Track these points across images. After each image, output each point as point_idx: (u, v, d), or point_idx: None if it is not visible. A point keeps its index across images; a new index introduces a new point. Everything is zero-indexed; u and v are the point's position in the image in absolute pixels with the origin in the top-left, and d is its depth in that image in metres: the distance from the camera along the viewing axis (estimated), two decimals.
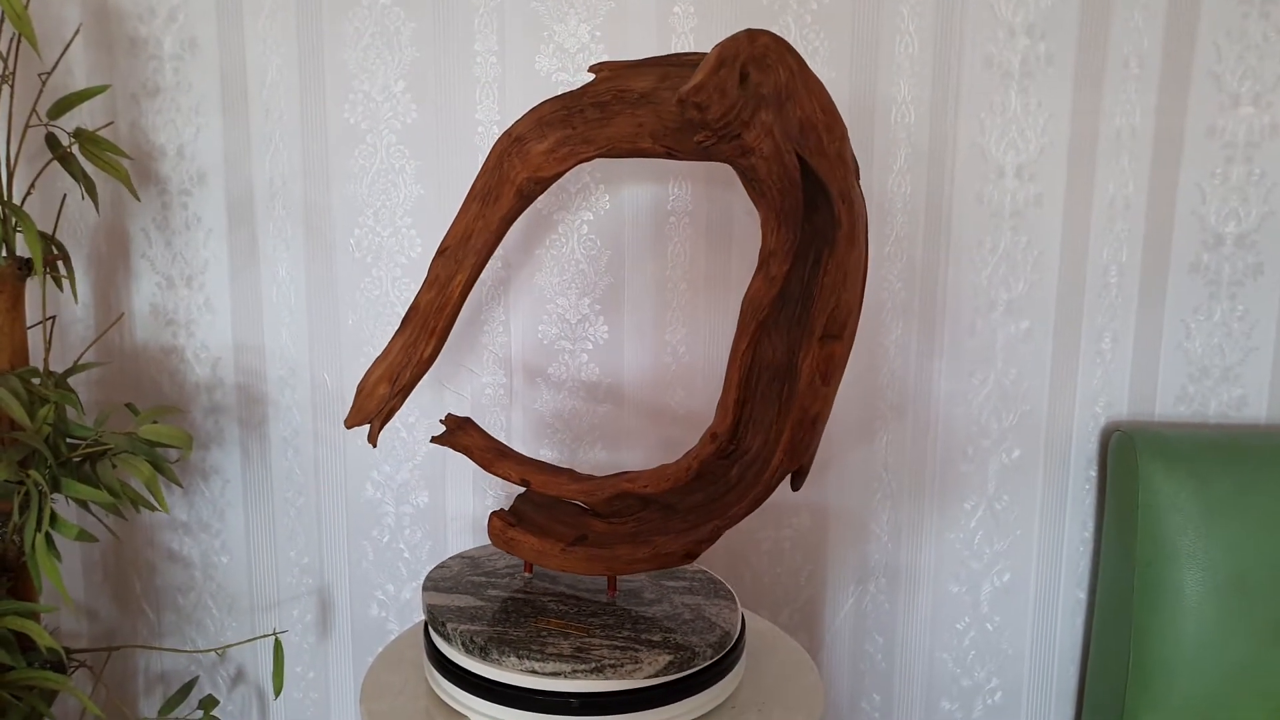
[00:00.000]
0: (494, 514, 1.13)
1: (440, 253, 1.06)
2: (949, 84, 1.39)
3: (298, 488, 1.53)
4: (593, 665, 0.96)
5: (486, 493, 1.52)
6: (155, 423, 1.23)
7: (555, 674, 0.97)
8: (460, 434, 1.17)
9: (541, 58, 1.40)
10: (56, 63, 1.27)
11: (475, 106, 1.41)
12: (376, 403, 1.06)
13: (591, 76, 1.05)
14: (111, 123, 1.38)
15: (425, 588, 1.16)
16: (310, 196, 1.44)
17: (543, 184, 1.03)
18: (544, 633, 1.03)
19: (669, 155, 1.02)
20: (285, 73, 1.42)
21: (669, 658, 0.98)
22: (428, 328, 1.05)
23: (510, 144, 1.04)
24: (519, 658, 0.98)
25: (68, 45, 1.27)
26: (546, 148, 1.00)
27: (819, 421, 1.04)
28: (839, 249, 0.97)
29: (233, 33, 1.42)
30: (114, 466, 1.17)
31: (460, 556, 1.28)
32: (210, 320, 1.49)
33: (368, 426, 1.08)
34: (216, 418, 1.52)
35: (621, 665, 0.97)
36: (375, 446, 1.09)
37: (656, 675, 0.98)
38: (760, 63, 0.91)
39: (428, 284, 1.07)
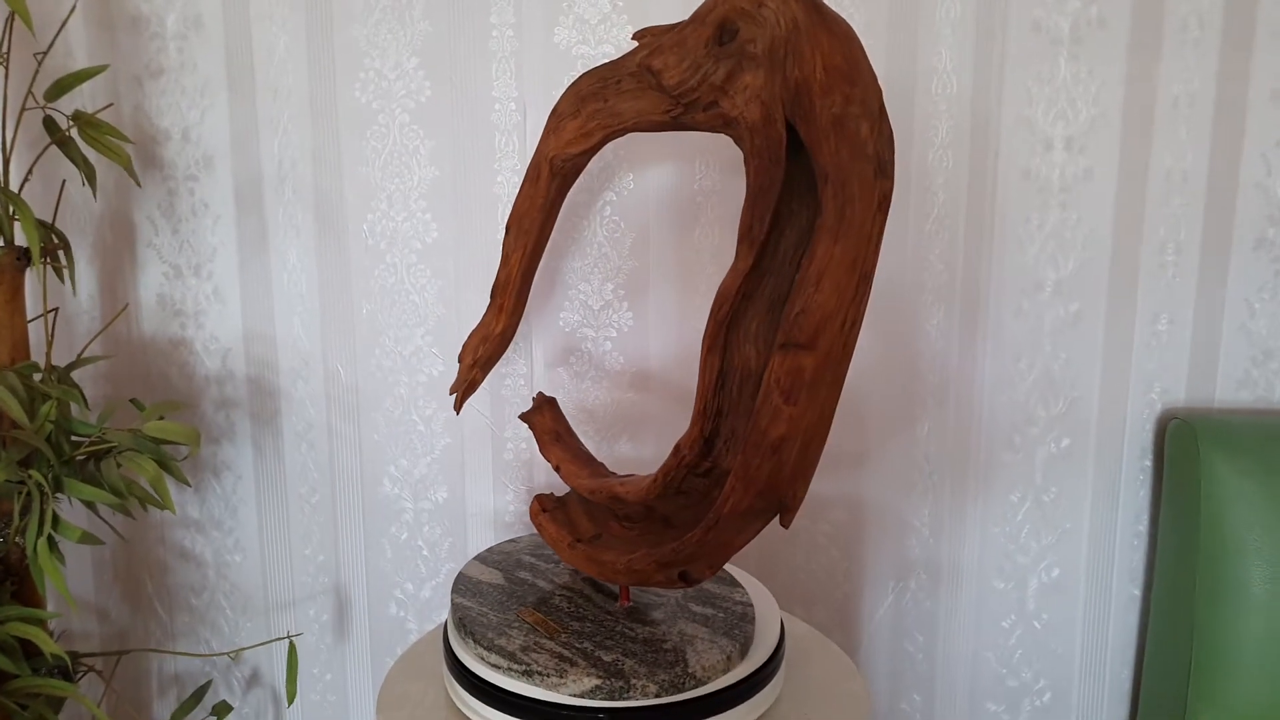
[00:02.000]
0: (538, 495, 1.11)
1: (506, 229, 1.06)
2: (993, 51, 1.31)
3: (312, 484, 1.47)
4: (524, 668, 0.92)
5: (507, 487, 1.45)
6: (162, 419, 1.17)
7: (542, 679, 0.91)
8: (537, 412, 1.17)
9: (561, 30, 1.33)
10: (53, 42, 1.21)
11: (492, 83, 1.34)
12: (461, 374, 1.11)
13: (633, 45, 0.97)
14: (111, 104, 1.32)
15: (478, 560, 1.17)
16: (321, 180, 1.38)
17: (572, 160, 0.96)
18: (516, 623, 1.00)
19: (676, 126, 0.94)
20: (293, 51, 1.36)
21: (596, 681, 0.91)
22: (497, 304, 1.07)
23: (551, 120, 0.99)
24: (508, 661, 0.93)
25: (63, 23, 1.21)
26: (579, 123, 0.94)
27: (783, 449, 0.83)
28: (817, 241, 0.80)
29: (238, 9, 1.36)
30: (119, 465, 1.11)
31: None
32: (219, 310, 1.44)
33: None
34: (227, 411, 1.47)
35: (554, 674, 0.91)
36: (458, 414, 1.19)
37: (584, 696, 0.91)
38: (751, 16, 0.80)
39: (501, 260, 1.09)
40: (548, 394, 1.21)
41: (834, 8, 1.30)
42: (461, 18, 1.33)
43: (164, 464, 1.14)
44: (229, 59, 1.37)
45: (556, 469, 1.11)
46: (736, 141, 0.89)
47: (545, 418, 1.17)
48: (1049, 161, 1.33)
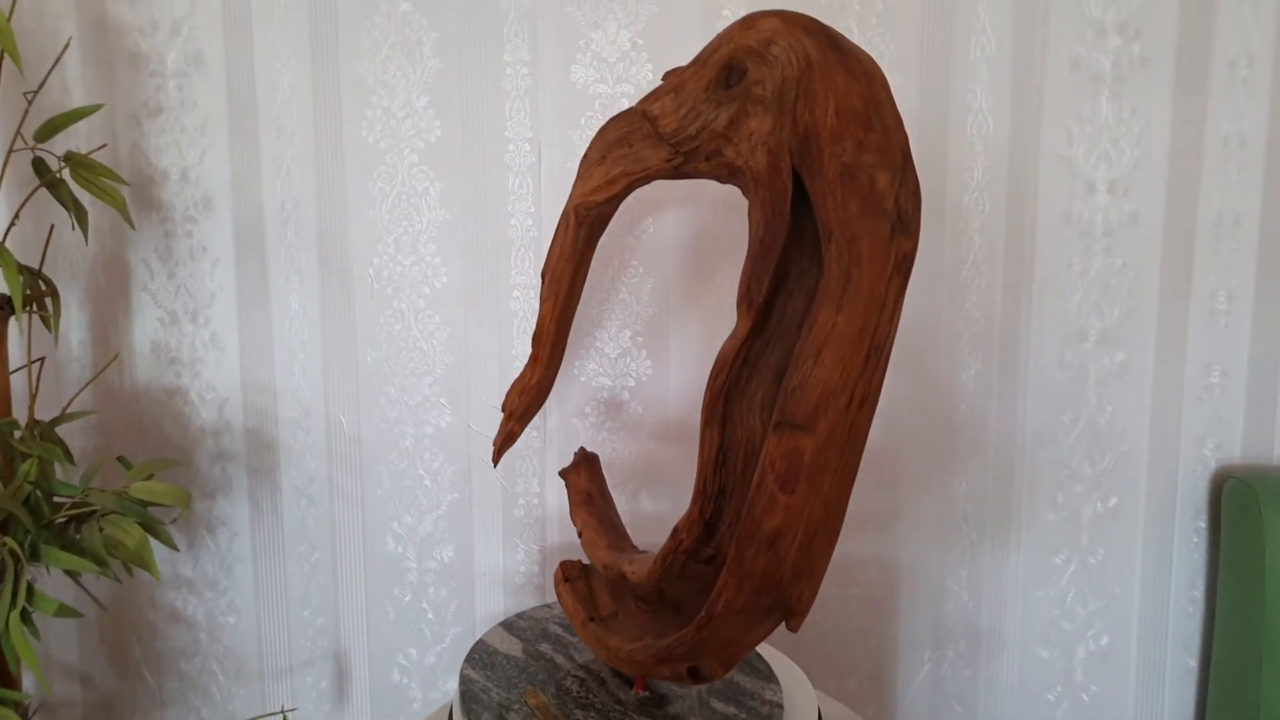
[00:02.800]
0: (564, 563, 1.04)
1: (541, 278, 1.00)
2: (1031, 89, 1.25)
3: (312, 542, 1.39)
4: None
5: (518, 546, 1.37)
6: (150, 478, 1.09)
7: None
8: (574, 469, 1.10)
9: (578, 68, 1.27)
10: (44, 80, 1.15)
11: (505, 122, 1.28)
12: (501, 426, 1.04)
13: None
14: (105, 145, 1.26)
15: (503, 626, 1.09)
16: (325, 222, 1.32)
17: (596, 209, 0.90)
18: (518, 704, 0.93)
19: (680, 175, 0.87)
20: (298, 88, 1.30)
21: None
22: (533, 354, 1.01)
23: (581, 166, 0.93)
24: None
25: (56, 61, 1.15)
26: (604, 169, 0.87)
27: (779, 543, 0.74)
28: (818, 308, 0.71)
29: (241, 46, 1.30)
30: (101, 530, 1.03)
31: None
32: (217, 358, 1.37)
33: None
34: (223, 465, 1.39)
35: None
36: (495, 466, 1.12)
37: None
38: (760, 54, 0.73)
39: (539, 308, 1.03)
40: (588, 451, 1.13)
41: (860, 43, 1.26)
42: (474, 55, 1.27)
43: (150, 528, 1.06)
44: (231, 96, 1.31)
45: (579, 535, 1.04)
46: (744, 192, 0.81)
47: (581, 476, 1.09)
48: (1091, 204, 1.26)
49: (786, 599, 0.76)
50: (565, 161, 1.29)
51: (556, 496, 1.36)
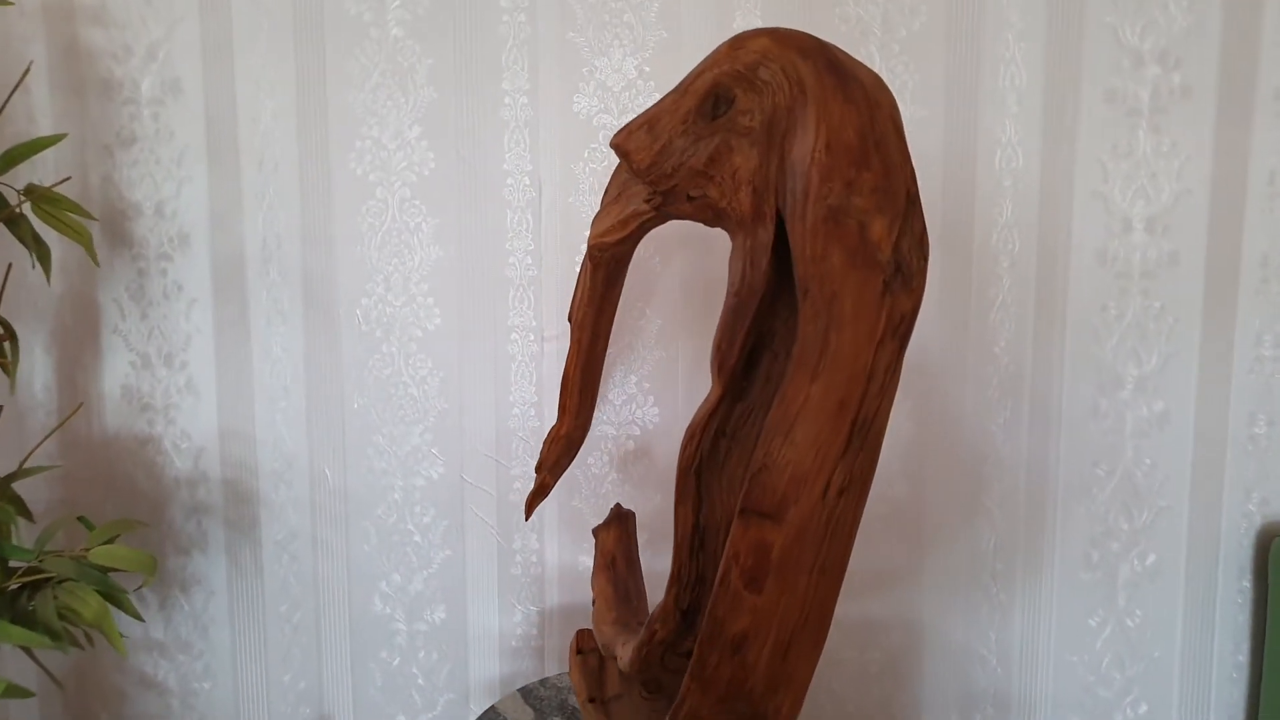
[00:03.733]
0: (581, 632, 0.98)
1: (569, 321, 0.94)
2: (1064, 122, 1.18)
3: (294, 601, 1.30)
4: None
5: (515, 607, 1.28)
6: (113, 540, 1.00)
7: None
8: (606, 528, 1.02)
9: (581, 98, 1.19)
10: (1, 107, 1.06)
11: (504, 155, 1.20)
12: (538, 479, 0.96)
13: None
14: (69, 178, 1.17)
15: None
16: (310, 260, 1.24)
17: (610, 250, 0.82)
18: None
19: (662, 218, 0.79)
20: (281, 118, 1.23)
21: None
22: (560, 403, 0.94)
23: (602, 202, 0.85)
24: None
25: (15, 87, 1.06)
26: (619, 208, 0.79)
27: (746, 649, 0.65)
28: (791, 375, 0.62)
29: (221, 73, 1.22)
30: (56, 599, 0.94)
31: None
32: (193, 405, 1.28)
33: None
34: (199, 519, 1.30)
35: None
36: (527, 520, 1.06)
37: None
38: (748, 80, 0.65)
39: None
40: (624, 508, 1.06)
41: (881, 73, 1.19)
42: (470, 84, 1.20)
43: (111, 597, 0.96)
44: (210, 126, 1.23)
45: (593, 603, 0.95)
46: (730, 237, 0.74)
47: (610, 536, 1.01)
48: (1128, 244, 1.19)
49: (762, 712, 0.66)
50: (567, 196, 1.21)
51: (556, 553, 1.27)
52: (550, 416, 1.25)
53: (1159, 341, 1.20)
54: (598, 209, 1.15)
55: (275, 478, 1.29)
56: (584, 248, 1.23)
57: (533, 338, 1.24)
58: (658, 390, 1.24)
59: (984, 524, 1.25)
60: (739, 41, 0.67)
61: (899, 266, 0.62)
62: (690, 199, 0.71)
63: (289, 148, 1.23)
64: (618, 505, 1.04)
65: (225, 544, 1.31)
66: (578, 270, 1.23)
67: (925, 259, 0.64)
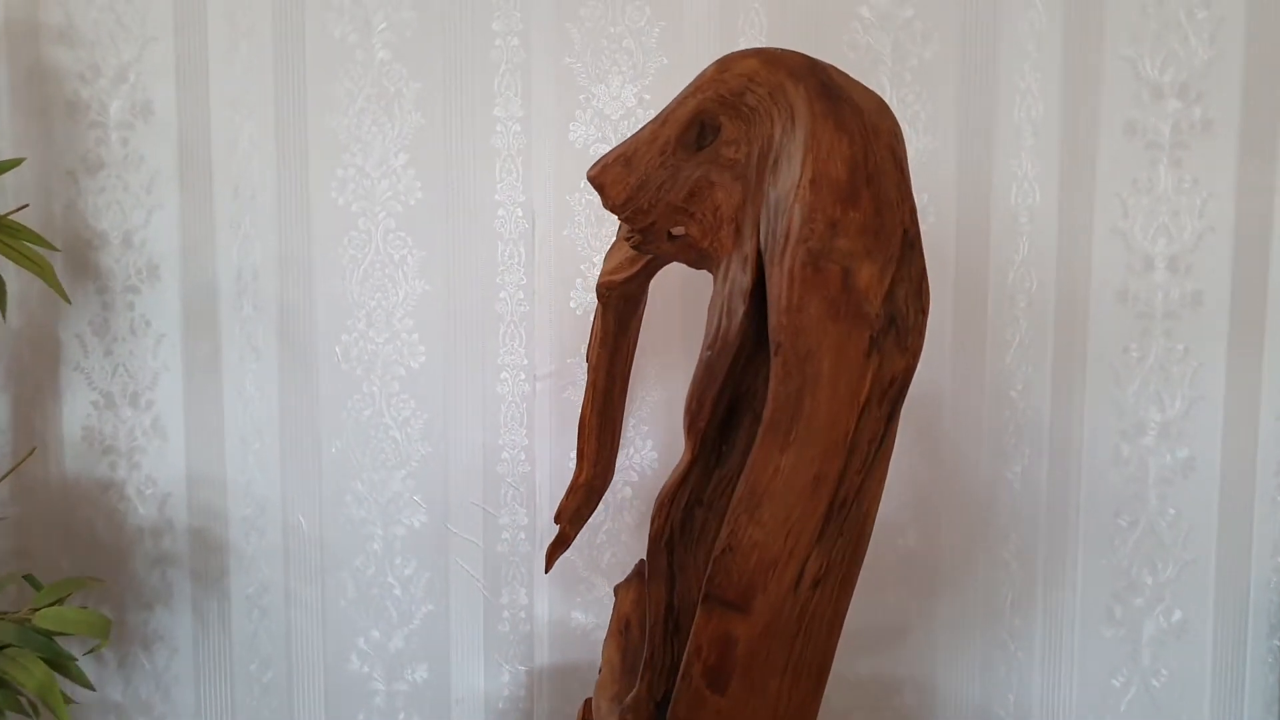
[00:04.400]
0: (590, 700, 0.92)
1: (586, 360, 0.89)
2: (1082, 156, 1.14)
3: (264, 659, 1.22)
4: None
5: (502, 666, 1.20)
6: (63, 601, 0.92)
7: None
8: (626, 585, 0.94)
9: (578, 126, 1.14)
10: None
11: (495, 185, 1.15)
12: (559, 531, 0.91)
13: None
14: (27, 205, 1.10)
15: None
16: (287, 294, 1.18)
17: (618, 289, 0.76)
18: None
19: (650, 266, 0.73)
20: (259, 143, 1.17)
21: None
22: (577, 449, 0.90)
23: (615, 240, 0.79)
24: None
25: None
26: (626, 247, 0.73)
27: None
28: (759, 443, 0.56)
29: (195, 95, 1.17)
30: None
31: None
32: (159, 448, 1.22)
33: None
34: (163, 570, 1.23)
35: None
36: (547, 573, 1.00)
37: None
38: (734, 106, 0.59)
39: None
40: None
41: (897, 105, 1.13)
42: (460, 110, 1.15)
43: (58, 664, 0.88)
44: (182, 152, 1.18)
45: (599, 670, 0.88)
46: (714, 282, 0.68)
47: (629, 597, 0.93)
48: (1149, 283, 1.14)
49: None
50: (561, 229, 1.15)
51: (547, 609, 1.19)
52: (543, 461, 1.19)
53: (1183, 385, 1.14)
54: (592, 242, 1.10)
55: (246, 526, 1.22)
56: (579, 282, 1.18)
57: (524, 377, 1.18)
58: (656, 433, 1.17)
59: (1001, 577, 1.18)
60: (725, 64, 0.61)
61: (892, 319, 0.55)
62: (671, 237, 0.65)
63: (266, 175, 1.17)
64: (642, 561, 0.97)
65: (191, 597, 1.23)
66: (572, 306, 1.17)
67: (924, 311, 0.56)
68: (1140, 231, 1.14)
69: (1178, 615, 1.17)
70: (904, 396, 0.54)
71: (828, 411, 0.53)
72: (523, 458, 1.19)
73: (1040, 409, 1.16)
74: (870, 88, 0.66)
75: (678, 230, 0.64)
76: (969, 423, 1.17)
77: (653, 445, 1.18)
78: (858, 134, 0.56)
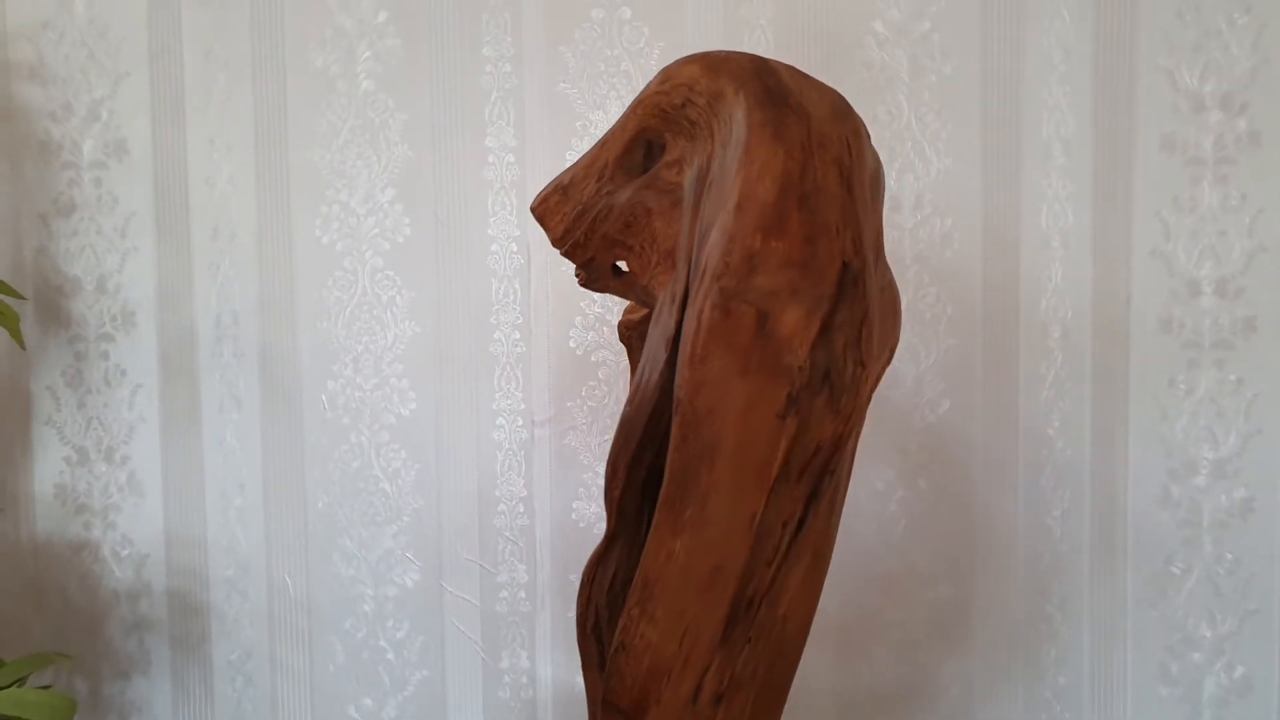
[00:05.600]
0: None
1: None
2: (1117, 174, 1.07)
3: None
4: None
5: None
6: (23, 681, 0.84)
7: None
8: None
9: (575, 155, 1.06)
10: None
11: (488, 219, 1.10)
12: None
13: None
14: None
15: None
16: (270, 339, 1.14)
17: (637, 329, 0.68)
18: None
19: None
20: (239, 181, 1.13)
21: None
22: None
23: None
24: None
25: None
26: None
27: None
28: (655, 522, 0.48)
29: (172, 132, 1.14)
30: None
31: None
32: (135, 505, 1.17)
33: None
34: (141, 636, 1.17)
35: None
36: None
37: None
38: (674, 120, 0.52)
39: None
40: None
41: (909, 122, 1.06)
42: (450, 141, 1.10)
43: None
44: (158, 192, 1.14)
45: None
46: None
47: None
48: (1196, 309, 1.06)
49: None
50: (560, 264, 1.07)
51: (550, 673, 1.12)
52: (543, 513, 1.13)
53: (1237, 419, 1.06)
54: None
55: (228, 587, 1.16)
56: (578, 320, 1.11)
57: (521, 423, 1.11)
58: None
59: (1044, 631, 1.09)
60: (668, 73, 0.53)
61: (826, 374, 0.46)
62: (618, 273, 0.58)
63: (246, 214, 1.13)
64: None
65: (170, 665, 1.17)
66: (571, 346, 1.11)
67: (863, 364, 0.46)
68: (1184, 253, 1.06)
69: (1240, 671, 1.08)
70: (833, 471, 0.45)
71: (730, 487, 0.44)
72: (521, 510, 1.12)
73: (1080, 448, 1.08)
74: (833, 88, 0.57)
75: (622, 265, 0.57)
76: (1002, 465, 1.09)
77: None
78: (797, 147, 0.48)
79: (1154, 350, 1.06)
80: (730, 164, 0.48)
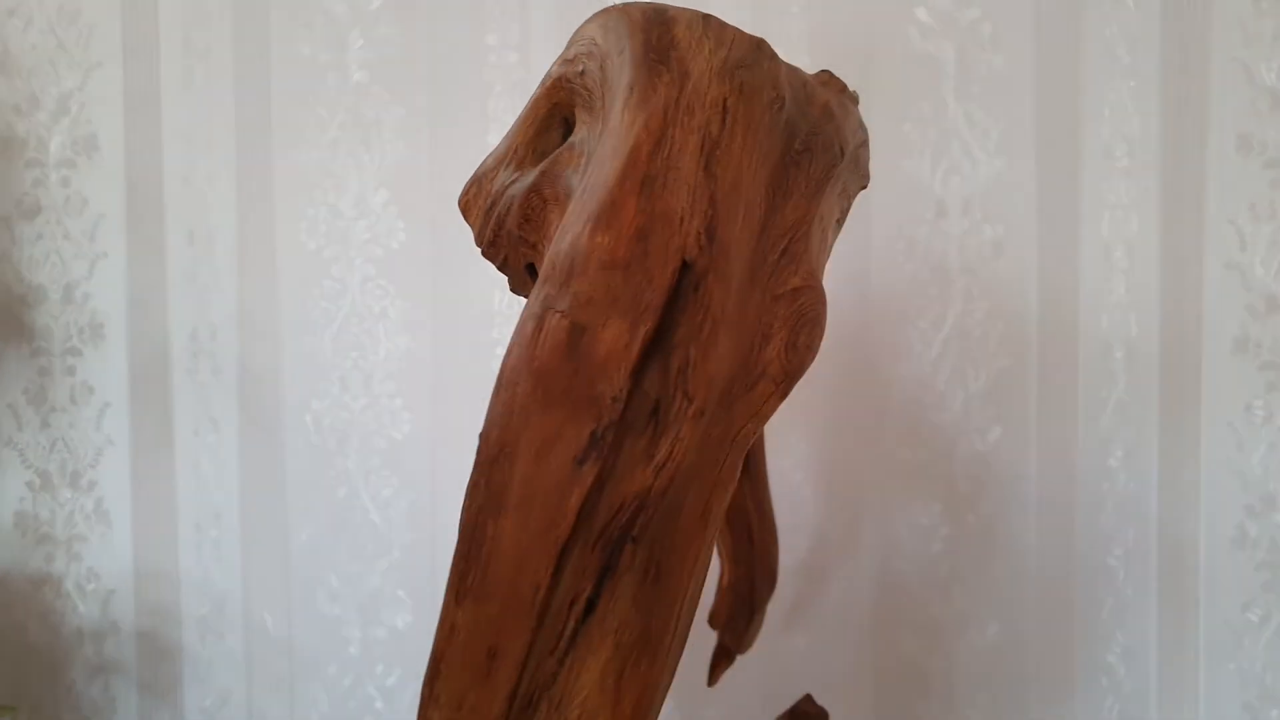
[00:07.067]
0: None
1: None
2: (1187, 178, 0.99)
3: None
4: None
5: None
6: None
7: None
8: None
9: None
10: None
11: None
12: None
13: None
14: None
15: None
16: (249, 354, 1.07)
17: None
18: None
19: None
20: (217, 181, 1.07)
21: None
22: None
23: None
24: None
25: None
26: None
27: None
28: (446, 589, 0.42)
29: (145, 128, 1.07)
30: None
31: None
32: (102, 535, 1.10)
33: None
34: (106, 680, 1.10)
35: None
36: (710, 686, 0.88)
37: None
38: (578, 91, 0.46)
39: None
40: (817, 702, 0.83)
41: (955, 118, 0.98)
42: (449, 138, 1.03)
43: None
44: (131, 192, 1.07)
45: None
46: None
47: None
48: (1274, 327, 0.98)
49: None
50: None
51: None
52: None
53: None
54: None
55: (202, 627, 1.09)
56: None
57: None
58: None
59: (1104, 684, 1.01)
60: (574, 35, 0.47)
61: (654, 410, 0.37)
62: (535, 275, 0.49)
63: (226, 216, 1.07)
64: (808, 697, 0.78)
65: (139, 712, 1.10)
66: None
67: (689, 396, 0.36)
68: (1261, 266, 0.97)
69: None
70: (640, 540, 0.35)
71: (512, 549, 0.36)
72: None
73: (1145, 481, 0.99)
74: (760, 37, 0.49)
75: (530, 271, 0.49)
76: (1058, 499, 1.00)
77: None
78: (658, 115, 0.39)
79: (1228, 373, 0.98)
80: (602, 142, 0.41)
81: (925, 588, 1.01)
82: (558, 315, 0.36)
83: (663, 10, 0.45)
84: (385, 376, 1.05)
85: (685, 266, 0.37)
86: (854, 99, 0.55)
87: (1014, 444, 0.99)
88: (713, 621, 0.82)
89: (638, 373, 0.36)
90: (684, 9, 0.47)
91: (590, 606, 0.36)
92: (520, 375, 0.36)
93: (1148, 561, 0.99)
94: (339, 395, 1.05)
